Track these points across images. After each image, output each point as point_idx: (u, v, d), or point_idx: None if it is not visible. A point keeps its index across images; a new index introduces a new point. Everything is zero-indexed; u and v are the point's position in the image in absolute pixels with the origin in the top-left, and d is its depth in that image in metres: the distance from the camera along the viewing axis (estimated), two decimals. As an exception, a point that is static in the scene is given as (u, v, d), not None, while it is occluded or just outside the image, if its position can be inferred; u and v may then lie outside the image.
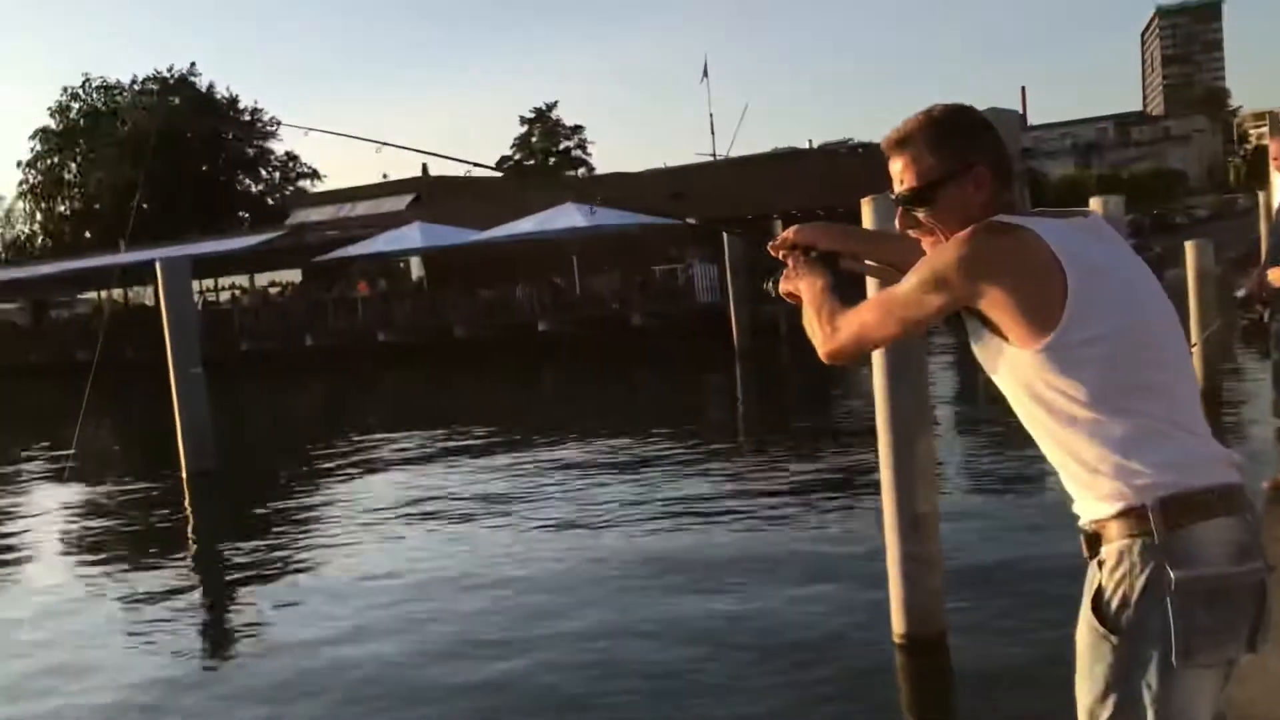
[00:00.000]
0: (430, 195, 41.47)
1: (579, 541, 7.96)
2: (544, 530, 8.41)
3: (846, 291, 2.14)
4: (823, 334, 2.10)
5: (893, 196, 2.04)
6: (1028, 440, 1.97)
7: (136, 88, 61.32)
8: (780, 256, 2.31)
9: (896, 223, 2.05)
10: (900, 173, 2.01)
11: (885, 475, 5.20)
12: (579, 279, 28.28)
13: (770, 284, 2.27)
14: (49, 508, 11.76)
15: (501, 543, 8.18)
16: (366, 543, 8.59)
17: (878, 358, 5.11)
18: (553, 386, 22.01)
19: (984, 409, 13.12)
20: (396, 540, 8.61)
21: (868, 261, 2.47)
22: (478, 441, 13.73)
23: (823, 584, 6.41)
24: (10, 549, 9.67)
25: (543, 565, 7.33)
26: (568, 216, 28.10)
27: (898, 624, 5.22)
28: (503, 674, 5.39)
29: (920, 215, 2.00)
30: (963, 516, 7.40)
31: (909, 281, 1.92)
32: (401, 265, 37.81)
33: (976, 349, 1.97)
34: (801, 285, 2.19)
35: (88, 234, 58.01)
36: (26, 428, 22.23)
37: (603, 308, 26.58)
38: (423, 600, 6.77)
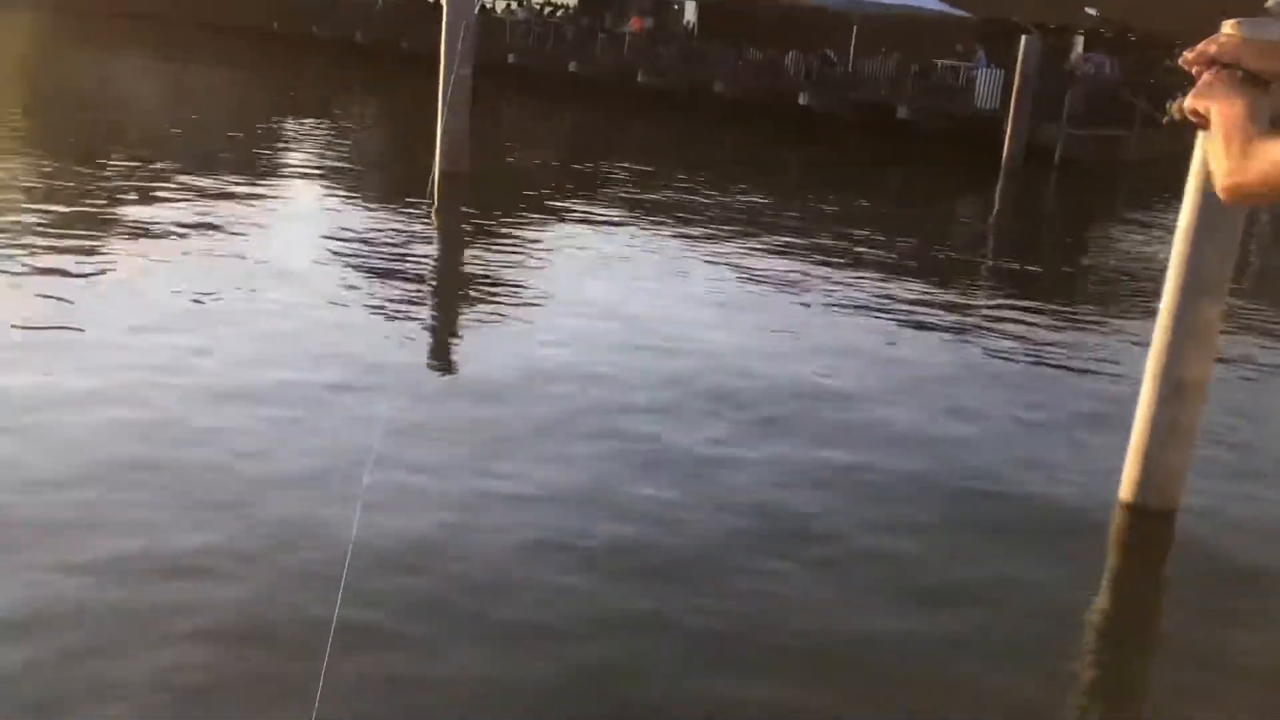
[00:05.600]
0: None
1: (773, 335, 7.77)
2: (759, 329, 8.24)
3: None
4: (1230, 163, 1.66)
5: None
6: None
7: None
8: (1194, 73, 1.90)
9: None
10: None
11: (1159, 329, 4.76)
12: (853, 57, 26.90)
13: (1171, 103, 1.87)
14: (308, 194, 12.40)
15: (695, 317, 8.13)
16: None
17: (1189, 203, 4.58)
18: (800, 163, 21.36)
19: None
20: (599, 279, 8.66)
21: None
22: (704, 200, 13.55)
23: (1053, 433, 6.08)
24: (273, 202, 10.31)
25: (758, 365, 7.21)
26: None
27: (1127, 489, 4.90)
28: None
29: None
30: (1227, 394, 6.84)
31: None
32: (675, 7, 36.87)
33: None
34: (1216, 105, 1.72)
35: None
36: (308, 98, 23.34)
37: (871, 92, 25.27)
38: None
